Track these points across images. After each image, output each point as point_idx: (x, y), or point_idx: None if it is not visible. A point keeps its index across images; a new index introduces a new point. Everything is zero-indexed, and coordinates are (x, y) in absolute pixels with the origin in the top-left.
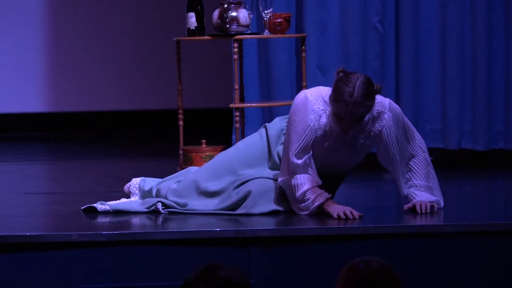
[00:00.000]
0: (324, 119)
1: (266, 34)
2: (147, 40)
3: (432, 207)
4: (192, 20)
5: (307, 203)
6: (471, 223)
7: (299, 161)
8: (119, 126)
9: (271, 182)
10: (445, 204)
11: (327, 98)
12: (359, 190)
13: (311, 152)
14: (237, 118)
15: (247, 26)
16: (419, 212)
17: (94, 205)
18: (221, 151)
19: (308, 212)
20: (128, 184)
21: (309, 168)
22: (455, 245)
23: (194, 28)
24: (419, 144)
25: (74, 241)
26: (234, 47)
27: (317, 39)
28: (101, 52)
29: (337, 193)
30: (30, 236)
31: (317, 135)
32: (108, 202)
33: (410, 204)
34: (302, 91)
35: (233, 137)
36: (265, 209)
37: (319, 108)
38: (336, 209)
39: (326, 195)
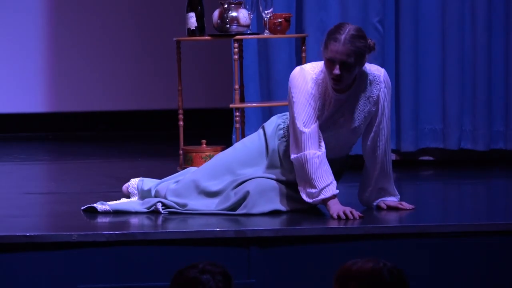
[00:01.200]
0: (322, 87)
1: (266, 34)
2: (147, 40)
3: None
4: (192, 20)
5: (313, 191)
6: (471, 223)
7: (308, 130)
8: (119, 126)
9: (270, 182)
10: (445, 204)
11: (323, 67)
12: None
13: (318, 123)
14: (237, 118)
15: (247, 26)
16: (407, 208)
17: (94, 205)
18: (221, 151)
19: (311, 201)
20: (126, 185)
21: (318, 139)
22: (455, 245)
23: (194, 28)
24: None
25: (74, 241)
26: (234, 47)
27: (317, 39)
28: (101, 52)
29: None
30: (30, 236)
31: (319, 105)
32: (108, 202)
33: (393, 204)
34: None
35: (233, 137)
36: (265, 208)
37: (316, 77)
38: (336, 209)
39: (333, 190)
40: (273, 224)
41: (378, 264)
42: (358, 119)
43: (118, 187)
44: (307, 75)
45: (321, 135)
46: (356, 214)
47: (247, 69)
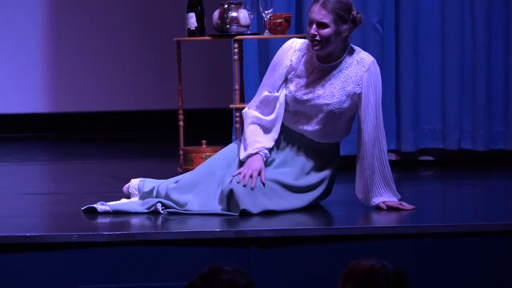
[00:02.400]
0: (307, 56)
1: (266, 34)
2: (147, 40)
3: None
4: (192, 20)
5: (244, 145)
6: (471, 223)
7: (262, 94)
8: (119, 127)
9: (257, 183)
10: (445, 204)
11: None
12: None
13: (278, 96)
14: (238, 119)
15: (247, 26)
16: (408, 209)
17: (94, 205)
18: None
19: (242, 158)
20: (127, 185)
21: (270, 108)
22: (455, 245)
23: (194, 28)
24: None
25: (74, 242)
26: (234, 48)
27: None
28: (101, 53)
29: (337, 194)
30: (30, 237)
31: (298, 72)
32: (108, 203)
33: (394, 205)
34: None
35: (233, 137)
36: (255, 210)
37: (302, 48)
38: (247, 167)
39: (255, 148)
40: (273, 224)
41: (377, 265)
42: (338, 96)
43: (118, 187)
44: (293, 45)
45: (278, 108)
46: (254, 178)
47: (247, 69)
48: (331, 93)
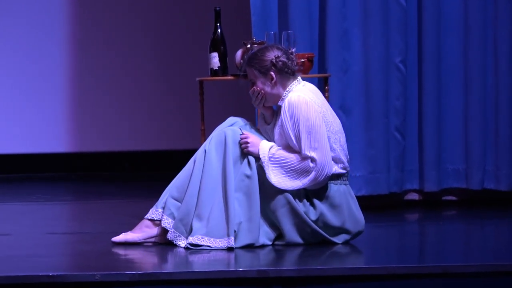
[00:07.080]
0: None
1: None
2: (170, 80)
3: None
4: (215, 60)
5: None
6: (494, 263)
7: None
8: (142, 166)
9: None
10: (468, 244)
11: None
12: (381, 231)
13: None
14: None
15: None
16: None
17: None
18: None
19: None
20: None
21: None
22: (478, 285)
23: (217, 68)
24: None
25: (97, 281)
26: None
27: (339, 79)
28: (123, 92)
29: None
30: (53, 276)
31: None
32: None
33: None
34: None
35: None
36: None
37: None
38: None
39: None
40: (296, 263)
41: None
42: (275, 133)
43: None
44: None
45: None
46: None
47: None
48: (273, 131)
